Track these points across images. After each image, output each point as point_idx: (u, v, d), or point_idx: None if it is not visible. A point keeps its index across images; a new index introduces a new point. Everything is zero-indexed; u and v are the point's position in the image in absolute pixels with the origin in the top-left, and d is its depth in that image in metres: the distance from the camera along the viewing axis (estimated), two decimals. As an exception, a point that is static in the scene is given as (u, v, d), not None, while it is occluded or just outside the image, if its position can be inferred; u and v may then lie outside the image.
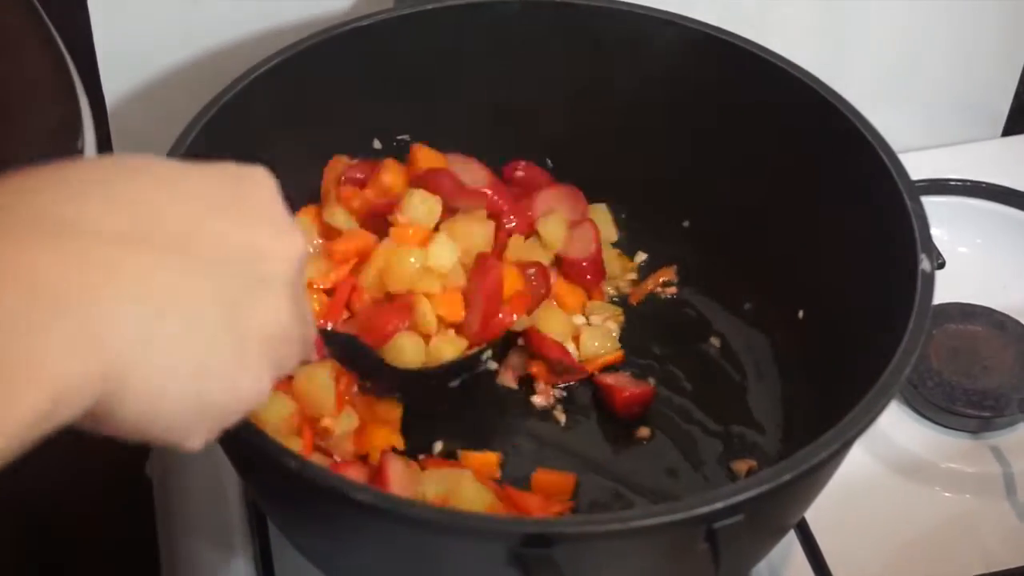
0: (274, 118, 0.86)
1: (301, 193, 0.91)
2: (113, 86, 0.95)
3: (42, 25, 0.70)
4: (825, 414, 0.68)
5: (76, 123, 0.69)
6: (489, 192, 0.93)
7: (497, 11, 0.91)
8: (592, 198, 0.97)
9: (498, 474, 0.84)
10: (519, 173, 0.97)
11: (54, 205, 0.46)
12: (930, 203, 0.78)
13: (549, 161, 0.98)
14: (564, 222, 0.94)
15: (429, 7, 0.90)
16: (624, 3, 0.91)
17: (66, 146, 0.67)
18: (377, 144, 0.94)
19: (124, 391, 0.45)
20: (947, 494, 0.92)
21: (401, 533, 0.63)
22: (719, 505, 0.60)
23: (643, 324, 0.94)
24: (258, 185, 0.54)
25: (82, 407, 0.44)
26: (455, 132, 0.94)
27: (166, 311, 0.47)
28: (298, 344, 0.55)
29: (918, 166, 0.83)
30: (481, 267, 0.88)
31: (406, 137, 0.94)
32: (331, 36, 0.86)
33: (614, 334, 0.93)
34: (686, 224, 0.97)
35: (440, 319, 0.87)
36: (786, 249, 0.90)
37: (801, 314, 0.89)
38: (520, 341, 0.90)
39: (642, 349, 0.93)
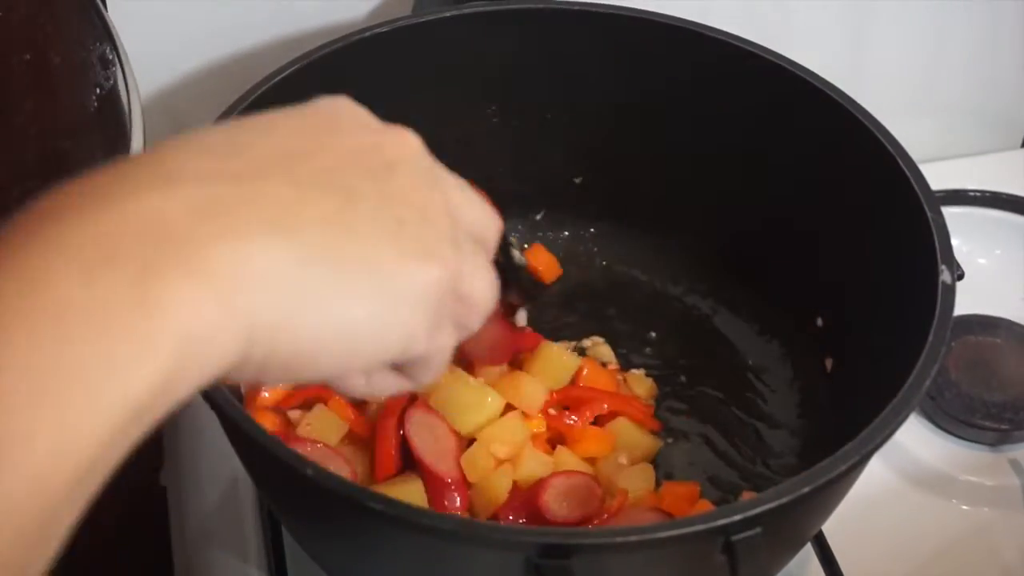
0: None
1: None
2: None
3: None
4: (844, 426, 0.68)
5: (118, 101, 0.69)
6: None
7: (517, 17, 0.91)
8: (613, 215, 0.99)
9: None
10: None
11: (159, 164, 0.42)
12: (949, 214, 0.77)
13: (577, 179, 0.98)
14: None
15: (447, 14, 0.89)
16: (644, 11, 0.90)
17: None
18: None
19: (271, 350, 0.42)
20: (965, 507, 0.91)
21: (416, 542, 0.63)
22: (737, 517, 0.60)
23: (667, 333, 0.95)
24: (346, 108, 0.50)
25: (219, 367, 0.40)
26: (477, 136, 0.94)
27: (314, 248, 0.43)
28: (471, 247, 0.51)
29: (937, 177, 0.83)
30: None
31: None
32: (349, 43, 0.86)
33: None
34: (702, 234, 0.97)
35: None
36: (805, 259, 0.89)
37: (820, 322, 0.88)
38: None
39: (664, 356, 0.93)
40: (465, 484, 0.78)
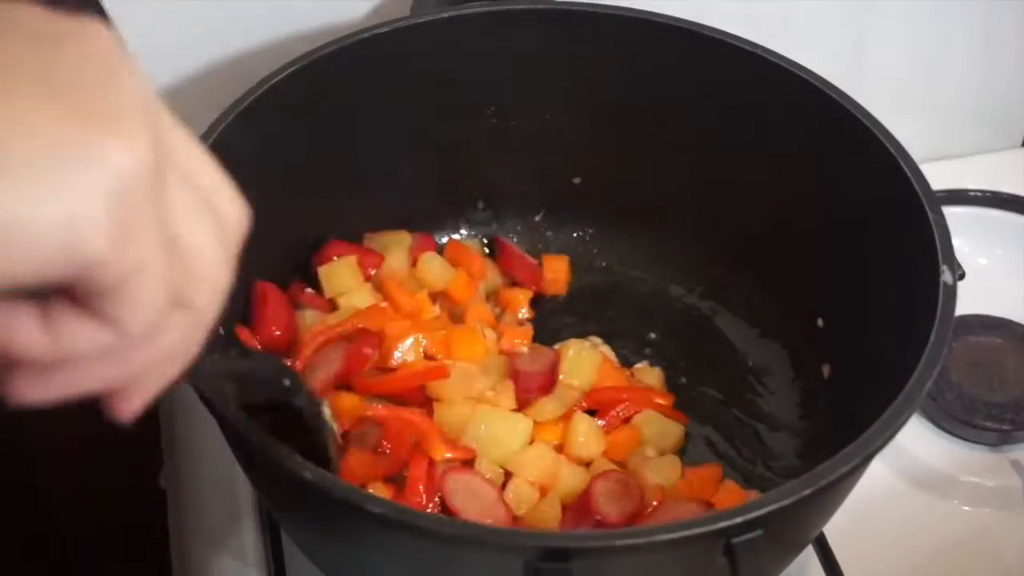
0: (290, 125, 0.85)
1: (324, 212, 0.90)
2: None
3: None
4: (845, 427, 0.68)
5: None
6: None
7: (516, 17, 0.91)
8: (613, 215, 0.98)
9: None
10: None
11: None
12: (949, 214, 0.77)
13: (576, 180, 0.98)
14: None
15: (447, 14, 0.89)
16: (644, 11, 0.90)
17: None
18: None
19: None
20: (966, 508, 0.91)
21: (416, 545, 0.63)
22: (738, 520, 0.60)
23: (667, 334, 0.95)
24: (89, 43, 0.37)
25: None
26: (477, 136, 0.94)
27: None
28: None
29: (937, 176, 0.82)
30: None
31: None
32: (349, 44, 0.86)
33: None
34: (702, 234, 0.97)
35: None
36: (806, 260, 0.89)
37: (820, 323, 0.88)
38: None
39: (664, 356, 0.93)
40: (514, 523, 0.79)
